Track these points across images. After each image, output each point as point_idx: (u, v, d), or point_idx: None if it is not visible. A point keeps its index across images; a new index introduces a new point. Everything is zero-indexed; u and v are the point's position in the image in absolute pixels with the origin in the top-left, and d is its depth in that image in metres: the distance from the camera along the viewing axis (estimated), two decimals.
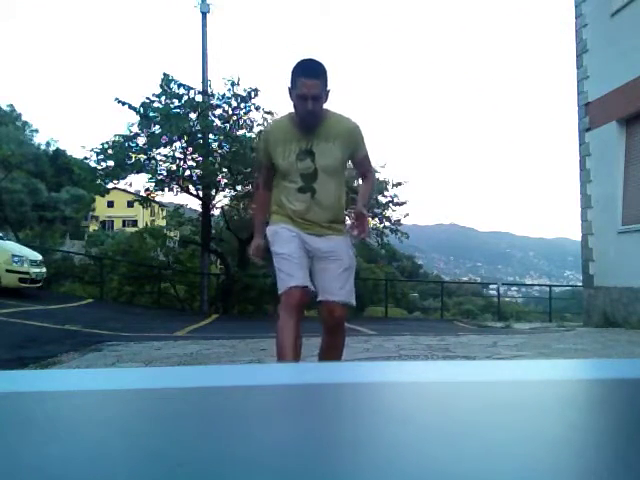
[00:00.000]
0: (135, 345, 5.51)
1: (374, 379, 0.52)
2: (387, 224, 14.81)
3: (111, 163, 12.81)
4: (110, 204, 43.78)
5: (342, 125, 2.49)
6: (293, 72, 2.39)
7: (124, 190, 17.49)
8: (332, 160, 2.46)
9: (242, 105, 13.12)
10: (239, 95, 13.00)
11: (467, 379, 0.51)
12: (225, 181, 13.65)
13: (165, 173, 13.24)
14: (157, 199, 15.03)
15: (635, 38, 8.19)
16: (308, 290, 2.47)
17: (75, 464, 0.29)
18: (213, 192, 14.02)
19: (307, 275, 2.49)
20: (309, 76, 2.35)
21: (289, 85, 2.42)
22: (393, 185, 14.53)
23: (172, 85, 12.74)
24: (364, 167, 2.65)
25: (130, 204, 34.50)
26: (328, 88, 2.44)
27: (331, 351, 2.65)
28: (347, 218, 2.94)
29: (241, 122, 13.31)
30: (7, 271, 10.50)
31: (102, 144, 12.72)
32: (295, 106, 2.43)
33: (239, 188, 14.06)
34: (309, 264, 2.54)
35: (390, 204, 14.63)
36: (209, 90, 13.54)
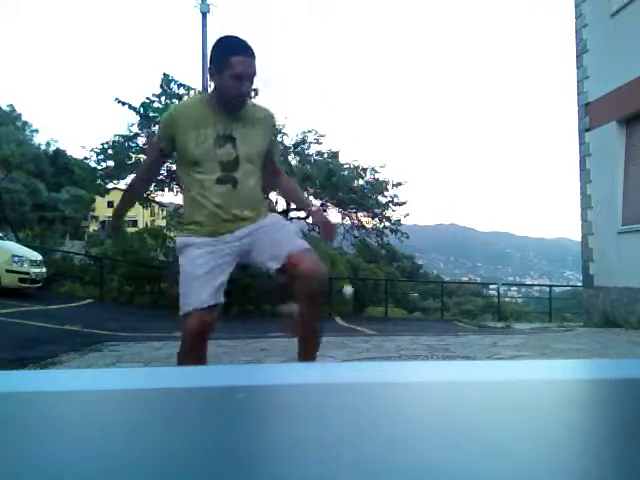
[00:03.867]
0: (135, 345, 5.51)
1: (374, 379, 0.52)
2: (387, 224, 14.80)
3: (111, 163, 12.81)
4: (110, 204, 43.63)
5: (261, 111, 2.30)
6: (224, 50, 2.13)
7: (124, 190, 17.52)
8: (255, 147, 2.23)
9: None
10: None
11: (467, 379, 0.51)
12: None
13: (165, 173, 13.24)
14: (157, 199, 15.03)
15: (635, 38, 8.19)
16: (213, 309, 2.16)
17: (75, 464, 0.29)
18: None
19: (214, 291, 2.16)
20: (248, 54, 2.12)
21: (213, 65, 2.15)
22: (393, 185, 14.52)
23: (172, 85, 12.74)
24: (274, 160, 2.45)
25: None
26: None
27: (312, 322, 2.29)
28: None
29: None
30: (7, 271, 10.49)
31: (102, 144, 12.72)
32: (221, 87, 2.15)
33: None
34: (224, 276, 2.22)
35: (390, 204, 14.63)
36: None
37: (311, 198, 12.82)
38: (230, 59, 2.10)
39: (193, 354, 2.18)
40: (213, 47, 2.19)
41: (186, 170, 2.24)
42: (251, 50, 2.14)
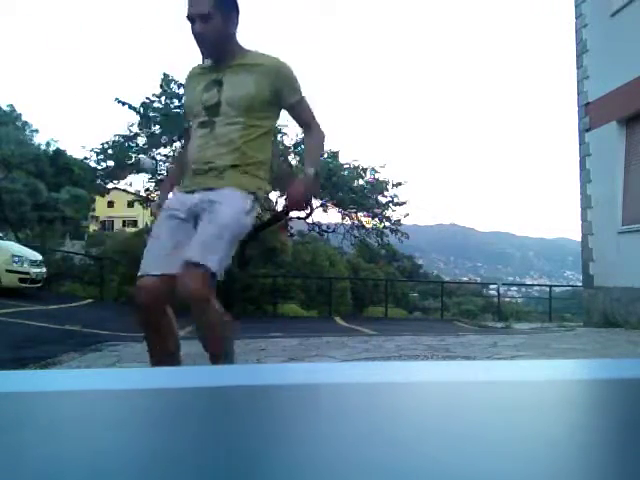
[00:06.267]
0: (135, 345, 5.50)
1: (374, 379, 0.52)
2: (387, 224, 14.81)
3: (111, 163, 12.83)
4: (110, 204, 43.76)
5: (263, 59, 2.10)
6: None
7: (124, 190, 17.51)
8: (240, 92, 2.04)
9: None
10: None
11: (467, 379, 0.51)
12: None
13: (165, 173, 13.25)
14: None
15: (635, 38, 8.19)
16: (164, 279, 2.00)
17: (75, 464, 0.29)
18: None
19: (170, 259, 2.00)
20: None
21: None
22: (393, 185, 14.53)
23: (172, 85, 12.74)
24: (304, 115, 2.17)
25: (130, 204, 34.50)
26: (232, 14, 2.05)
27: (204, 333, 2.07)
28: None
29: None
30: (7, 271, 10.50)
31: (102, 144, 12.75)
32: None
33: None
34: (177, 238, 2.06)
35: (390, 204, 14.64)
36: None
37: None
38: None
39: (144, 329, 2.08)
40: None
41: (189, 123, 2.21)
42: None
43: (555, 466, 0.29)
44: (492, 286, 29.10)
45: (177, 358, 2.13)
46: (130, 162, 12.75)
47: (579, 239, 9.79)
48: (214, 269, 1.95)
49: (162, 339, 2.09)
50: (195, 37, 2.02)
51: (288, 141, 13.62)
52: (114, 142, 12.76)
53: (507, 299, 25.41)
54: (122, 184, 14.25)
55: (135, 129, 12.81)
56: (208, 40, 2.02)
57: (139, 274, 2.07)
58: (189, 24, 2.02)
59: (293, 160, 13.69)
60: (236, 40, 2.10)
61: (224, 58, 2.09)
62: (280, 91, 2.07)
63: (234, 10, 2.05)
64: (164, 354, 2.07)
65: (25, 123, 35.76)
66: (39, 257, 11.75)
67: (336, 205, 14.37)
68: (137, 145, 12.86)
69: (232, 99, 2.05)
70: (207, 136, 2.07)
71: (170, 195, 2.26)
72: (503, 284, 36.91)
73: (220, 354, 2.05)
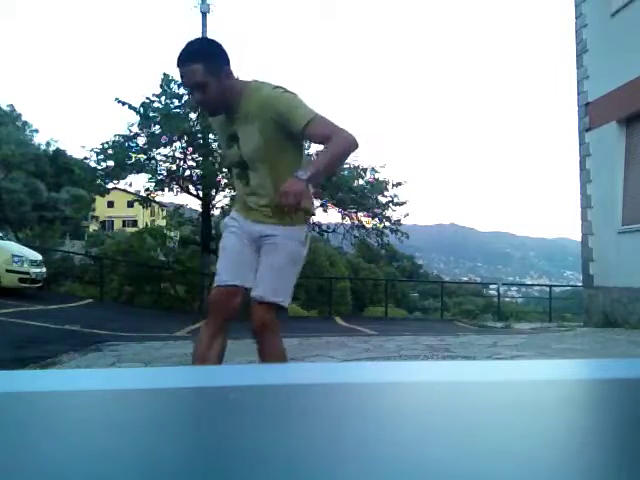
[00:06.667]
0: (135, 345, 5.51)
1: (374, 379, 0.52)
2: (387, 224, 14.80)
3: (111, 163, 12.81)
4: (110, 204, 43.75)
5: (255, 99, 2.05)
6: None
7: (124, 190, 17.50)
8: (252, 145, 2.09)
9: None
10: None
11: (467, 379, 0.51)
12: (225, 181, 13.67)
13: (165, 173, 13.24)
14: (157, 199, 15.03)
15: (635, 38, 8.19)
16: (238, 289, 2.17)
17: (75, 464, 0.29)
18: (213, 192, 14.02)
19: (243, 271, 2.17)
20: (180, 64, 2.01)
21: None
22: (393, 185, 14.51)
23: (172, 85, 12.73)
24: (320, 133, 2.05)
25: (130, 204, 34.49)
26: (225, 68, 2.05)
27: (265, 359, 2.21)
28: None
29: None
30: (7, 271, 10.49)
31: (102, 144, 12.72)
32: None
33: None
34: (253, 258, 2.20)
35: (390, 204, 14.62)
36: None
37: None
38: None
39: (205, 331, 2.22)
40: None
41: None
42: (185, 56, 2.01)
43: (555, 466, 0.29)
44: (492, 286, 29.12)
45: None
46: (130, 162, 12.73)
47: (579, 239, 9.78)
48: (285, 305, 2.16)
49: (213, 344, 2.21)
50: (197, 104, 2.19)
51: None
52: (114, 142, 12.74)
53: (507, 299, 25.42)
54: (122, 184, 14.22)
55: (135, 129, 12.80)
56: (209, 104, 2.10)
57: (217, 284, 2.22)
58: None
59: None
60: (235, 86, 2.10)
61: (231, 109, 2.13)
62: (286, 123, 2.04)
63: (225, 64, 2.07)
64: (210, 355, 2.18)
65: (25, 123, 35.76)
66: (39, 257, 11.75)
67: (336, 205, 14.36)
68: (137, 145, 12.85)
69: (249, 155, 2.13)
70: (245, 188, 2.21)
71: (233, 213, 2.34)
72: (503, 284, 36.94)
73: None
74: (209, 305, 2.29)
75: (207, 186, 13.47)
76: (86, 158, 13.12)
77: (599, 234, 9.19)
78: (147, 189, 13.59)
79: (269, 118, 2.04)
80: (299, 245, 2.17)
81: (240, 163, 2.17)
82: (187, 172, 13.33)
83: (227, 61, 2.07)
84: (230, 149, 2.18)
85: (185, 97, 12.82)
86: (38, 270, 11.24)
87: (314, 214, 2.35)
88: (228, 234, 2.25)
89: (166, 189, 13.37)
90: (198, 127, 12.92)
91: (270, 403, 0.43)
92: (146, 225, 25.43)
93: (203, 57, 2.01)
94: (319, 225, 15.32)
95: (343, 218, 14.95)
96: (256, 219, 2.18)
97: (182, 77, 2.05)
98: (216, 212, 15.43)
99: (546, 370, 0.59)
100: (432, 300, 24.17)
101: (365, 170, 14.25)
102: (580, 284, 10.78)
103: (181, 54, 2.01)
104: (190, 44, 2.04)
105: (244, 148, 2.12)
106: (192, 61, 2.00)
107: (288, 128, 2.04)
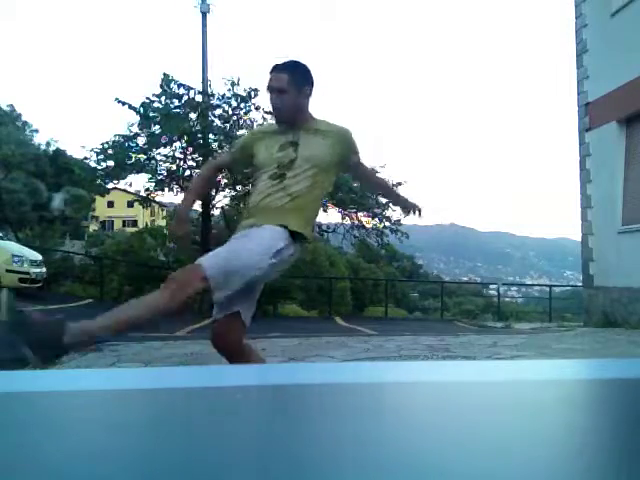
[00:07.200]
0: (135, 345, 5.51)
1: (374, 379, 0.52)
2: (387, 224, 14.80)
3: (111, 163, 12.80)
4: (110, 204, 43.74)
5: (333, 127, 2.41)
6: None
7: (124, 190, 17.50)
8: (317, 152, 2.32)
9: (242, 105, 13.11)
10: (239, 95, 12.99)
11: (467, 379, 0.51)
12: (225, 181, 13.67)
13: (165, 173, 13.23)
14: (157, 199, 15.03)
15: (635, 38, 8.19)
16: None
17: (75, 464, 0.29)
18: (213, 192, 14.03)
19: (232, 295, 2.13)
20: (273, 70, 2.33)
21: None
22: (393, 185, 14.52)
23: (172, 85, 12.73)
24: (361, 169, 2.62)
25: (130, 204, 34.49)
26: (305, 88, 2.34)
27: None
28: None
29: (241, 122, 13.31)
30: (7, 271, 10.49)
31: (102, 144, 12.72)
32: None
33: (239, 188, 14.07)
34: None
35: (390, 204, 14.63)
36: (209, 90, 13.54)
37: None
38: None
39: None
40: None
41: (255, 175, 2.44)
42: (280, 66, 2.31)
43: (555, 465, 0.29)
44: (492, 286, 29.12)
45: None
46: (130, 162, 12.73)
47: (579, 239, 9.79)
48: (204, 264, 2.01)
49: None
50: (272, 106, 2.35)
51: None
52: (114, 142, 12.73)
53: (507, 299, 25.42)
54: (122, 184, 14.22)
55: (135, 129, 12.79)
56: (282, 110, 2.33)
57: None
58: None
59: None
60: (307, 109, 2.38)
61: (295, 124, 2.35)
62: (347, 157, 2.41)
63: (308, 84, 2.35)
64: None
65: (25, 123, 35.77)
66: (39, 257, 11.75)
67: (336, 205, 14.36)
68: (137, 145, 12.84)
69: (309, 157, 2.30)
70: (275, 185, 2.29)
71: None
72: (503, 284, 36.93)
73: None
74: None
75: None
76: (86, 158, 13.11)
77: (599, 234, 9.19)
78: (147, 189, 13.59)
79: (339, 143, 2.35)
80: (277, 239, 2.14)
81: (287, 164, 2.31)
82: (187, 172, 13.32)
83: (311, 84, 2.36)
84: (282, 151, 2.33)
85: (185, 97, 12.82)
86: (38, 270, 11.24)
87: (309, 241, 2.46)
88: None
89: (166, 189, 13.36)
90: (198, 127, 12.92)
91: (270, 403, 0.43)
92: (146, 225, 25.45)
93: (292, 71, 2.31)
94: (319, 225, 15.31)
95: (343, 218, 14.95)
96: (257, 222, 2.24)
97: (269, 81, 2.31)
98: (216, 212, 15.44)
99: (546, 370, 0.59)
100: (432, 300, 24.17)
101: None
102: (580, 284, 10.78)
103: (277, 63, 2.32)
104: (288, 60, 2.36)
105: (306, 151, 2.31)
106: (283, 70, 2.30)
107: (344, 161, 2.41)
